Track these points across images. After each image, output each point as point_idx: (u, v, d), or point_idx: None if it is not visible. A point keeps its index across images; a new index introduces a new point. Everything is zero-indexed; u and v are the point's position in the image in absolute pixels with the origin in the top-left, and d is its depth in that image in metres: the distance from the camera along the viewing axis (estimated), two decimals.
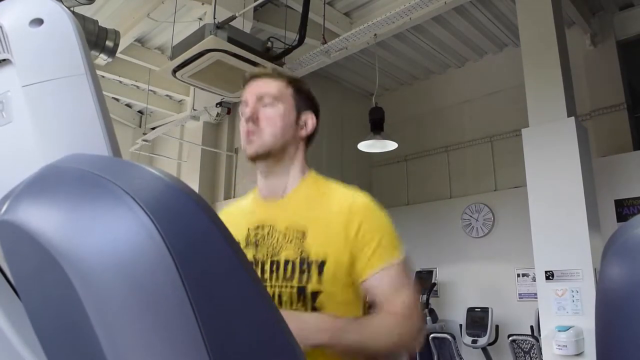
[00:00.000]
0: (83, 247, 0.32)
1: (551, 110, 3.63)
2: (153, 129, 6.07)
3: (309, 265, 0.97)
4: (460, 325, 5.00)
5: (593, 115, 4.84)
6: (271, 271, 1.01)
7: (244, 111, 1.09)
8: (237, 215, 1.15)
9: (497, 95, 5.61)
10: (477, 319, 4.81)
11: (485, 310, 4.81)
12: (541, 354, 3.53)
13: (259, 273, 1.01)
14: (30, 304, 0.38)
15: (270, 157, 1.07)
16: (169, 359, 0.31)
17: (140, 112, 6.63)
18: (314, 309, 0.96)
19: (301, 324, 0.88)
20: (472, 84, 5.88)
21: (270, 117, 1.07)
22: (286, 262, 0.99)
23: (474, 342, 4.68)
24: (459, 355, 4.62)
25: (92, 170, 0.36)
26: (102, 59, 3.73)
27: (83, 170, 0.37)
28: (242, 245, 1.07)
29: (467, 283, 5.50)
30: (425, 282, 5.36)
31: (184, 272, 0.31)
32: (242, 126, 1.09)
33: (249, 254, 1.04)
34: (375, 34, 3.93)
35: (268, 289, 0.99)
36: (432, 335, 4.71)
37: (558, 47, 3.69)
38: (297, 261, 0.98)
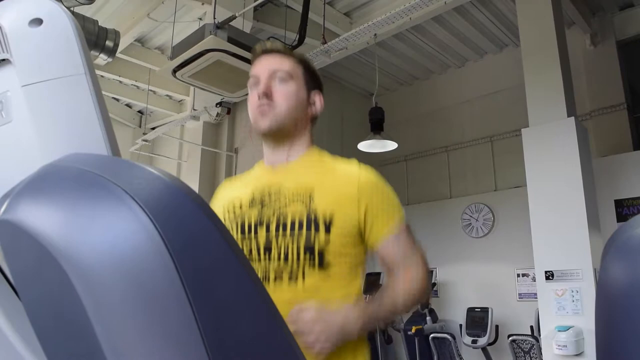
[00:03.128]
0: (82, 246, 0.32)
1: (551, 110, 3.63)
2: (153, 129, 6.07)
3: (317, 222, 0.99)
4: (460, 325, 5.00)
5: (593, 115, 4.84)
6: (277, 229, 1.02)
7: (257, 85, 1.09)
8: (241, 182, 1.18)
9: (497, 95, 5.61)
10: (477, 319, 4.81)
11: (485, 310, 4.81)
12: (541, 354, 3.53)
13: (264, 232, 1.03)
14: (30, 303, 0.38)
15: (282, 131, 1.09)
16: (168, 358, 0.31)
17: (140, 112, 6.63)
18: (321, 260, 0.98)
19: (343, 318, 0.94)
20: (472, 84, 5.88)
21: (286, 93, 1.08)
22: (293, 220, 1.01)
23: (474, 342, 4.68)
24: (459, 355, 4.62)
25: (92, 170, 0.36)
26: (102, 59, 3.74)
27: (82, 169, 0.37)
28: (246, 205, 1.08)
29: (467, 283, 5.50)
30: None
31: (182, 271, 0.31)
32: (253, 101, 1.09)
33: (254, 213, 1.05)
34: (375, 34, 3.94)
35: (274, 247, 1.01)
36: (432, 335, 4.71)
37: (558, 47, 3.69)
38: (305, 218, 1.00)
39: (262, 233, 1.03)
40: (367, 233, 1.03)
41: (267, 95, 1.07)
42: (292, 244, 0.99)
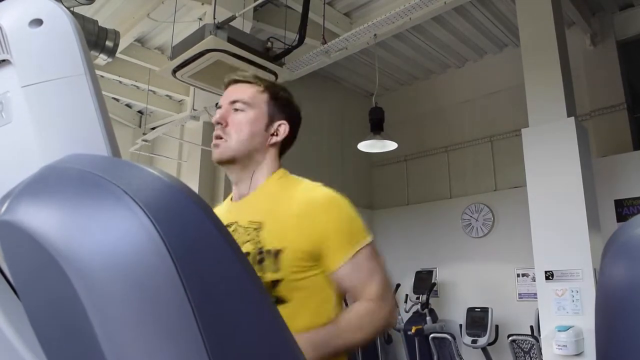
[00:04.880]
0: (82, 247, 0.32)
1: (551, 110, 3.63)
2: (153, 129, 6.07)
3: (263, 255, 0.96)
4: (460, 325, 5.00)
5: (593, 115, 4.84)
6: None
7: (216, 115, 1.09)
8: None
9: (497, 95, 5.61)
10: (477, 319, 4.81)
11: (485, 310, 4.81)
12: (541, 354, 3.53)
13: None
14: (30, 304, 0.38)
15: (235, 162, 1.07)
16: (168, 359, 0.31)
17: (140, 112, 6.63)
18: (276, 297, 0.94)
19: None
20: (472, 84, 5.88)
21: (238, 122, 1.07)
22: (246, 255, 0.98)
23: (474, 342, 4.68)
24: (459, 355, 4.62)
25: (92, 171, 0.36)
26: (101, 59, 3.73)
27: (82, 170, 0.37)
28: None
29: (467, 283, 5.50)
30: (425, 282, 5.36)
31: (183, 272, 0.31)
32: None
33: None
34: (375, 34, 3.93)
35: None
36: (432, 335, 4.71)
37: (558, 47, 3.69)
38: (254, 252, 0.97)
39: None
40: (323, 260, 0.97)
41: (221, 124, 1.07)
42: None
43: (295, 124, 1.15)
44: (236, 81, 1.13)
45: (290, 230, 0.97)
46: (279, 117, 1.12)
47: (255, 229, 0.99)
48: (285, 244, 0.95)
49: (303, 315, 0.95)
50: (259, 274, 0.94)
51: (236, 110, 1.08)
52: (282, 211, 1.01)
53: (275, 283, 0.94)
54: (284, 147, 1.14)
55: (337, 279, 0.98)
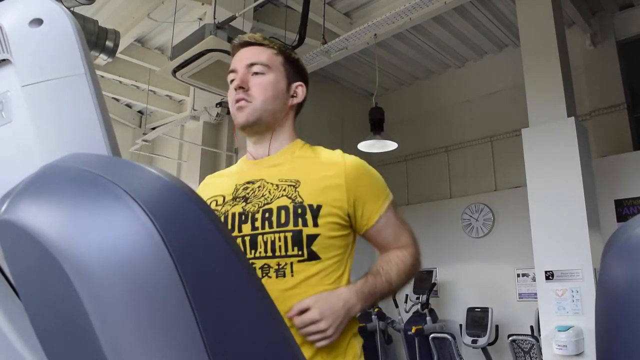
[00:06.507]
0: (82, 246, 0.32)
1: (551, 110, 3.63)
2: (153, 129, 6.07)
3: (304, 209, 0.97)
4: (460, 325, 5.00)
5: (593, 115, 4.84)
6: (263, 220, 0.99)
7: (233, 79, 1.08)
8: (224, 178, 1.16)
9: (497, 95, 5.61)
10: (477, 319, 4.81)
11: (485, 310, 4.81)
12: (541, 354, 3.53)
13: (249, 225, 1.00)
14: (30, 303, 0.38)
15: (260, 124, 1.08)
16: (168, 358, 0.31)
17: (140, 112, 6.63)
18: (310, 252, 0.96)
19: (344, 302, 0.95)
20: (472, 84, 5.88)
21: (262, 85, 1.07)
22: (279, 209, 0.99)
23: (474, 342, 4.68)
24: (459, 355, 4.62)
25: (92, 170, 0.36)
26: (102, 59, 3.74)
27: (82, 169, 0.37)
28: (229, 199, 1.06)
29: (467, 283, 5.50)
30: (425, 282, 5.36)
31: (182, 272, 0.31)
32: (231, 95, 1.08)
33: (238, 208, 1.03)
34: (375, 34, 3.94)
35: (260, 243, 0.99)
36: (432, 335, 4.71)
37: (558, 47, 3.69)
38: (291, 206, 0.98)
39: (246, 229, 1.00)
40: (358, 218, 1.03)
41: (243, 87, 1.06)
42: (280, 232, 0.97)
43: (307, 85, 1.17)
44: (248, 43, 1.12)
45: (327, 189, 1.01)
46: (295, 78, 1.13)
47: (291, 185, 1.01)
48: (323, 202, 0.99)
49: (330, 274, 0.99)
50: (297, 226, 0.97)
51: (255, 73, 1.07)
52: (316, 172, 1.04)
53: (312, 238, 0.97)
54: (298, 108, 1.16)
55: (372, 234, 1.06)
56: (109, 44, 3.63)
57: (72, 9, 3.17)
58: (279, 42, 1.17)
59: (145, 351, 0.31)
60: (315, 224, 0.97)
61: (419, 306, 5.18)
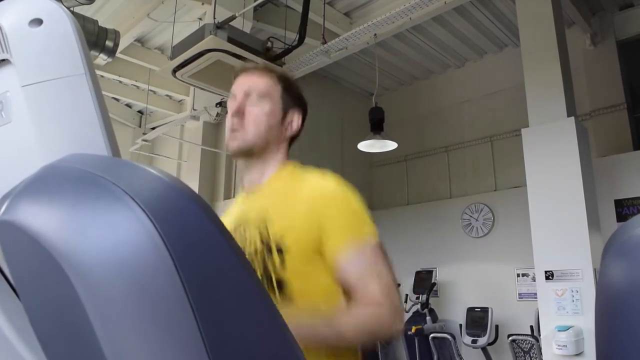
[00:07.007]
0: (82, 247, 0.32)
1: (551, 110, 3.63)
2: (153, 129, 6.07)
3: (269, 247, 0.95)
4: (460, 325, 5.00)
5: (593, 115, 4.84)
6: None
7: (231, 106, 1.09)
8: (229, 211, 1.16)
9: (497, 95, 5.61)
10: (477, 319, 4.81)
11: (485, 310, 4.81)
12: (541, 354, 3.53)
13: None
14: (30, 304, 0.38)
15: (251, 154, 1.08)
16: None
17: (140, 112, 6.63)
18: (280, 290, 0.93)
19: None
20: (472, 84, 5.88)
21: (256, 115, 1.06)
22: (250, 249, 0.98)
23: (474, 342, 4.68)
24: (459, 355, 4.62)
25: (92, 170, 0.36)
26: (102, 59, 3.74)
27: (82, 170, 0.37)
28: None
29: (467, 283, 5.50)
30: (425, 282, 5.36)
31: (183, 273, 0.31)
32: (228, 121, 1.09)
33: None
34: (375, 34, 3.94)
35: None
36: (432, 335, 4.71)
37: (558, 47, 3.69)
38: (259, 245, 0.97)
39: None
40: (324, 249, 0.94)
41: (239, 115, 1.06)
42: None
43: (305, 115, 1.16)
44: (248, 70, 1.12)
45: (294, 219, 0.97)
46: (292, 109, 1.12)
47: (261, 218, 0.99)
48: (289, 233, 0.95)
49: (308, 305, 0.94)
50: (264, 266, 0.94)
51: (252, 101, 1.07)
52: (289, 200, 1.01)
53: (279, 273, 0.94)
54: (293, 137, 1.15)
55: (336, 270, 0.93)
56: (109, 43, 3.63)
57: (72, 9, 3.17)
58: (282, 71, 1.16)
59: (145, 353, 0.31)
60: (281, 256, 0.93)
61: (418, 306, 5.19)
